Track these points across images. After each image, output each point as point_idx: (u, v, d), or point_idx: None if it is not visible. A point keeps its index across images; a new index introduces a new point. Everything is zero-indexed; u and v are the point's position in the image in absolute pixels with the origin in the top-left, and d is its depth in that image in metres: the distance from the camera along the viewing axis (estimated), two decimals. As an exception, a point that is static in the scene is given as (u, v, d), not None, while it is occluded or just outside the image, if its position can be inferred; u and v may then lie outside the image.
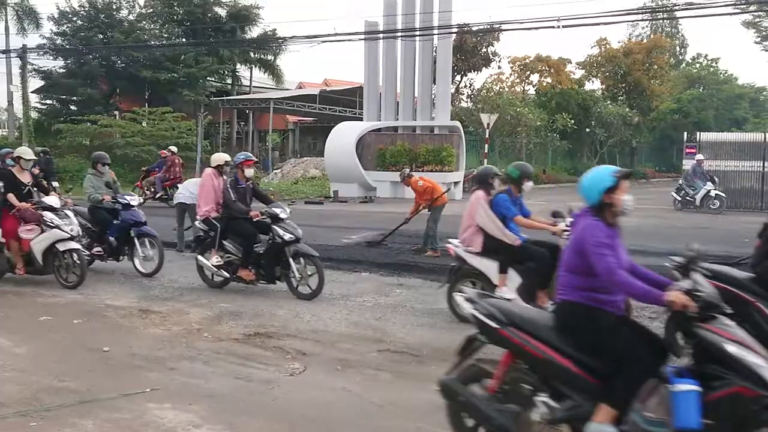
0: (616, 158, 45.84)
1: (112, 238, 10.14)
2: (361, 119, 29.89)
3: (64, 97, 38.25)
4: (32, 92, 36.35)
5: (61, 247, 9.15)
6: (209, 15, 39.92)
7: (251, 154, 9.52)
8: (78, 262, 9.21)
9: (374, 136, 26.82)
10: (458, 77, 38.15)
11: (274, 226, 8.80)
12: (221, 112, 40.60)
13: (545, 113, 38.06)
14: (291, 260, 8.76)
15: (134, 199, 10.34)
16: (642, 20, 53.82)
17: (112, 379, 5.68)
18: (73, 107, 37.68)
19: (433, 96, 27.81)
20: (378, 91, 27.89)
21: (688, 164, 22.93)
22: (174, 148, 21.68)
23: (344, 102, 42.20)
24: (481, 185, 7.89)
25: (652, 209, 21.47)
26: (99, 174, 10.39)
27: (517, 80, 44.88)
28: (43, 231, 9.20)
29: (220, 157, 9.83)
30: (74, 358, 6.32)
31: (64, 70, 37.44)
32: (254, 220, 8.96)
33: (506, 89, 41.76)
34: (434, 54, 27.63)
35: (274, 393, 5.43)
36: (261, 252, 8.95)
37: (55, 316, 7.85)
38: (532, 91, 45.52)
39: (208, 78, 40.32)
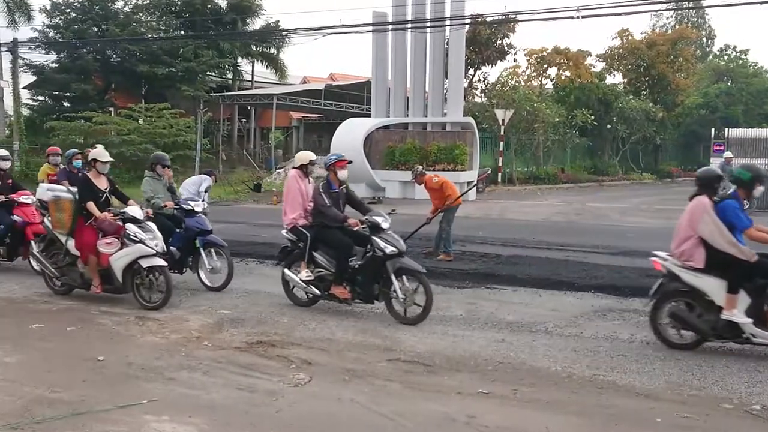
0: (639, 156, 45.70)
1: (174, 249, 9.56)
2: (368, 115, 29.92)
3: (56, 93, 38.50)
4: (23, 88, 36.58)
5: (144, 263, 8.44)
6: (209, 6, 40.11)
7: (343, 154, 8.94)
8: (163, 280, 8.48)
9: (383, 133, 26.83)
10: (471, 71, 38.06)
11: (374, 237, 8.02)
12: (221, 108, 40.70)
13: (564, 109, 37.93)
14: (393, 277, 7.87)
15: (199, 205, 9.84)
16: (667, 10, 53.67)
17: (108, 390, 5.67)
18: (66, 104, 37.93)
19: (444, 91, 27.80)
20: (387, 85, 27.91)
21: (715, 162, 22.79)
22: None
23: (351, 97, 42.23)
24: (705, 189, 6.95)
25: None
26: (158, 177, 10.00)
27: (534, 74, 44.72)
28: (123, 245, 8.53)
29: (304, 156, 9.10)
30: (67, 367, 6.33)
31: (56, 65, 37.68)
32: (353, 229, 8.30)
33: (522, 83, 41.63)
34: (446, 46, 27.62)
35: (278, 404, 5.42)
36: (357, 266, 8.18)
37: (47, 323, 7.86)
38: (549, 85, 45.37)
39: (207, 73, 40.48)
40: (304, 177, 8.94)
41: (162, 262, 8.51)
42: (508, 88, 36.60)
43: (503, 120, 27.05)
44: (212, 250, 9.74)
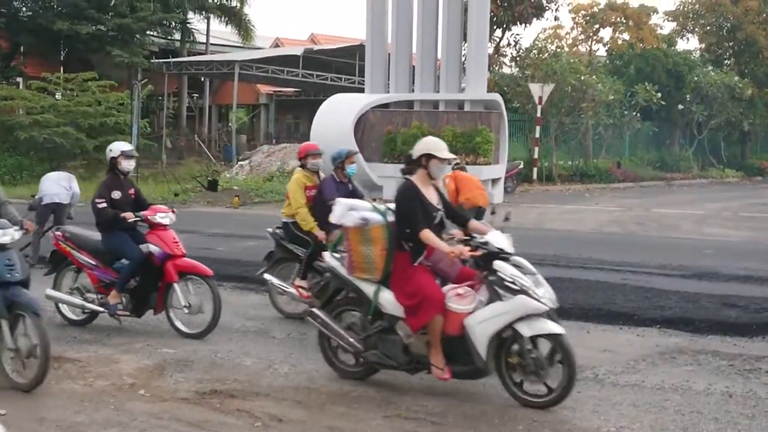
0: (721, 146, 45.79)
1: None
2: (361, 90, 29.92)
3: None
4: None
5: (526, 329, 6.83)
6: (149, -57, 40.14)
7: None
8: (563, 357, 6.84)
9: (380, 114, 26.85)
10: (499, 32, 38.17)
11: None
12: (166, 79, 40.73)
13: (621, 83, 38.02)
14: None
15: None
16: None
17: (11, 455, 5.65)
18: (-45, 72, 37.92)
19: (463, 59, 27.84)
20: (385, 51, 27.92)
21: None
22: None
23: (338, 66, 42.29)
24: None
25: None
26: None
27: (582, 37, 44.88)
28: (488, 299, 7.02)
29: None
30: (-43, 424, 6.30)
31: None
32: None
33: (566, 49, 41.75)
34: (465, 0, 27.65)
35: (238, 475, 5.41)
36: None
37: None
38: (602, 51, 45.50)
39: (147, 32, 40.49)
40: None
41: (560, 329, 6.86)
42: (546, 55, 36.67)
43: (540, 98, 27.11)
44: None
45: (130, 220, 9.09)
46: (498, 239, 6.99)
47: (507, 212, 8.50)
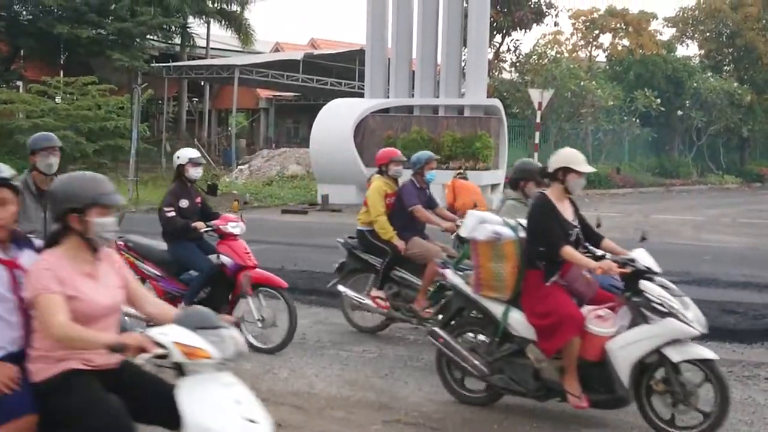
0: (720, 152, 45.82)
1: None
2: (361, 95, 29.94)
3: (-56, 60, 38.54)
4: None
5: (675, 355, 6.33)
6: (150, -52, 40.21)
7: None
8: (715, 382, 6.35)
9: (380, 119, 26.86)
10: (499, 38, 38.22)
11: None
12: (166, 83, 40.77)
13: (620, 89, 38.07)
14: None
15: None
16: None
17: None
18: (-44, 75, 37.95)
19: (463, 64, 27.85)
20: (386, 56, 27.96)
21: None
22: None
23: (338, 71, 42.33)
24: None
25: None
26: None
27: (582, 42, 44.94)
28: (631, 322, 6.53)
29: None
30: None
31: (-55, 24, 37.74)
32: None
33: (566, 55, 41.80)
34: (465, 5, 27.69)
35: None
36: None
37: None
38: (602, 57, 45.57)
39: (147, 36, 40.57)
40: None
41: (712, 354, 6.43)
42: (546, 60, 36.74)
43: (540, 103, 27.05)
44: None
45: (201, 230, 8.72)
46: (644, 257, 6.63)
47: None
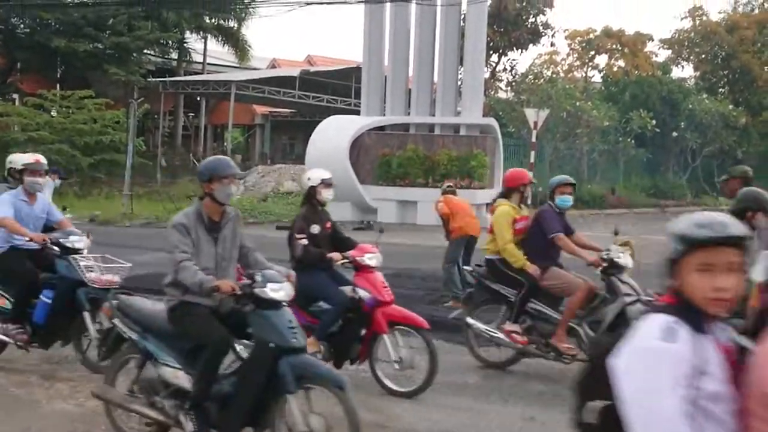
0: (715, 174, 45.81)
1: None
2: (357, 113, 29.99)
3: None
4: None
5: None
6: (149, -37, 40.31)
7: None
8: None
9: (376, 136, 26.89)
10: (495, 57, 38.38)
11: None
12: (162, 98, 40.82)
13: (616, 110, 38.18)
14: None
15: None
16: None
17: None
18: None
19: (459, 83, 27.91)
20: (382, 73, 28.03)
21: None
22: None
23: (334, 88, 42.43)
24: None
25: None
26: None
27: (577, 63, 45.11)
28: None
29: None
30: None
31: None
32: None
33: (562, 75, 41.95)
34: (462, 24, 27.78)
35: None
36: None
37: None
38: (597, 78, 45.71)
39: (144, 51, 40.63)
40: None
41: None
42: (542, 80, 36.87)
43: (535, 123, 27.09)
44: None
45: (338, 263, 8.10)
46: None
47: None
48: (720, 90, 46.35)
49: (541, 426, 7.06)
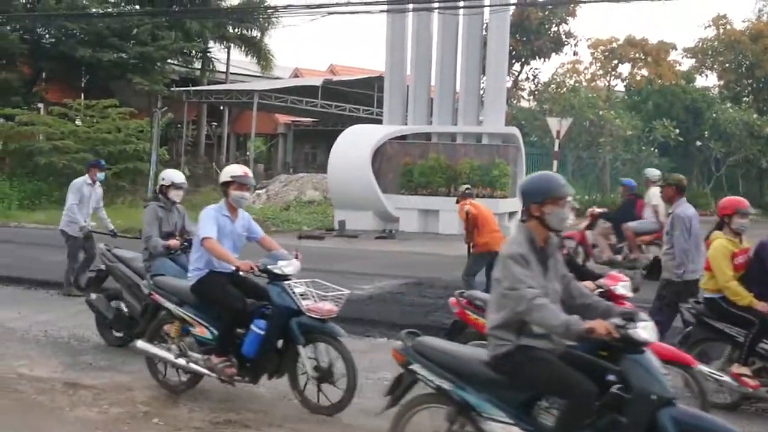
0: (739, 184, 45.55)
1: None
2: (379, 122, 30.01)
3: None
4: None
5: None
6: (173, -26, 40.59)
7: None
8: None
9: (398, 146, 26.90)
10: (517, 66, 38.33)
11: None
12: (186, 107, 40.99)
13: (639, 119, 38.03)
14: None
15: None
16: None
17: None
18: (-20, 97, 38.20)
19: (481, 92, 27.87)
20: (404, 83, 28.04)
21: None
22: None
23: (356, 98, 42.49)
24: None
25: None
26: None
27: (600, 72, 44.91)
28: None
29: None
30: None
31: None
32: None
33: (584, 84, 41.83)
34: (484, 33, 27.77)
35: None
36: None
37: (-55, 389, 7.83)
38: (620, 87, 45.54)
39: (168, 61, 40.80)
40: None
41: None
42: (565, 89, 36.77)
43: (558, 132, 27.00)
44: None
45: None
46: None
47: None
48: (744, 99, 46.05)
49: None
